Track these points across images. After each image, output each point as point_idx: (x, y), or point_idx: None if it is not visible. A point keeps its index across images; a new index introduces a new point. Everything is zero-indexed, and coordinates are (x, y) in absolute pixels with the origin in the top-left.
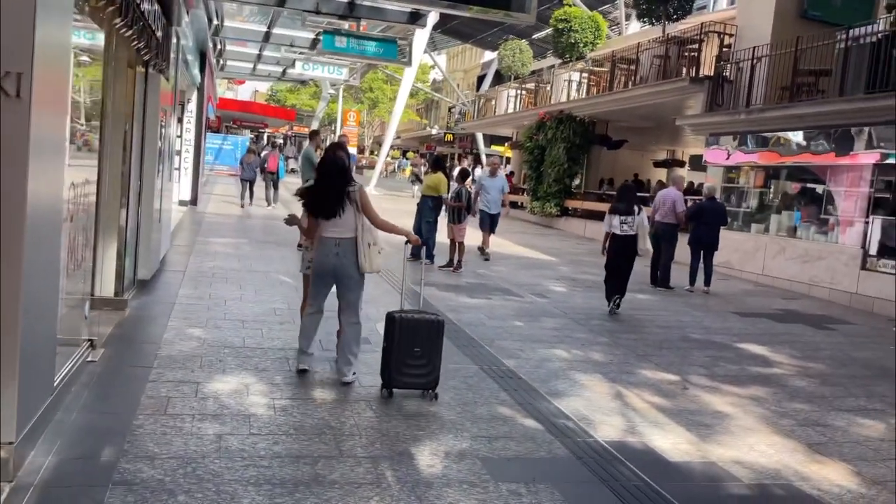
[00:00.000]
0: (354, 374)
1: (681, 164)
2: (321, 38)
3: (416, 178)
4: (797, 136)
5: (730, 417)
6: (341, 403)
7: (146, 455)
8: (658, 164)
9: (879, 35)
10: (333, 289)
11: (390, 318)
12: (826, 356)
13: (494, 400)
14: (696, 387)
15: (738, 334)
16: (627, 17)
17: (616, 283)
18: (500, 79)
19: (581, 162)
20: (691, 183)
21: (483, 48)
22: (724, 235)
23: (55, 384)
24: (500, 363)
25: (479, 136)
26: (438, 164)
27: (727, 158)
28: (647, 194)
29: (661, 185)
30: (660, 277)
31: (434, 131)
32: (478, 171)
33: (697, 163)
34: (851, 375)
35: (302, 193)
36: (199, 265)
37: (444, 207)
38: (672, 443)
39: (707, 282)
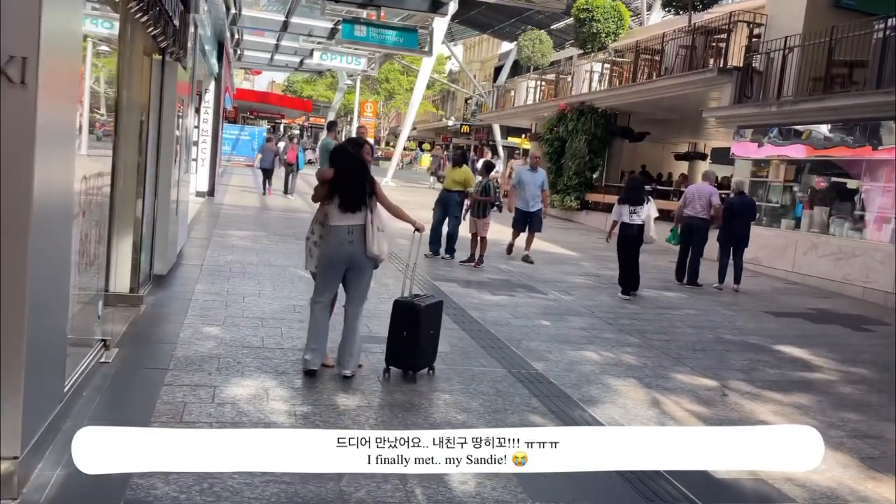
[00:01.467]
0: (360, 365)
1: (703, 156)
2: (340, 27)
3: (436, 175)
4: (831, 130)
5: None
6: (365, 410)
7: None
8: (679, 157)
9: None
10: None
11: (412, 308)
12: (867, 360)
13: (526, 408)
14: (736, 393)
15: (773, 336)
16: (649, 7)
17: (628, 276)
18: (517, 70)
19: (602, 155)
20: (716, 177)
21: (501, 39)
22: (752, 231)
23: (65, 390)
24: (529, 366)
25: (497, 128)
26: (464, 158)
27: (756, 152)
28: (669, 188)
29: (684, 178)
30: (688, 274)
31: (450, 123)
32: (498, 165)
33: (719, 156)
34: (892, 380)
35: (324, 182)
36: (217, 259)
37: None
38: None
39: (737, 279)
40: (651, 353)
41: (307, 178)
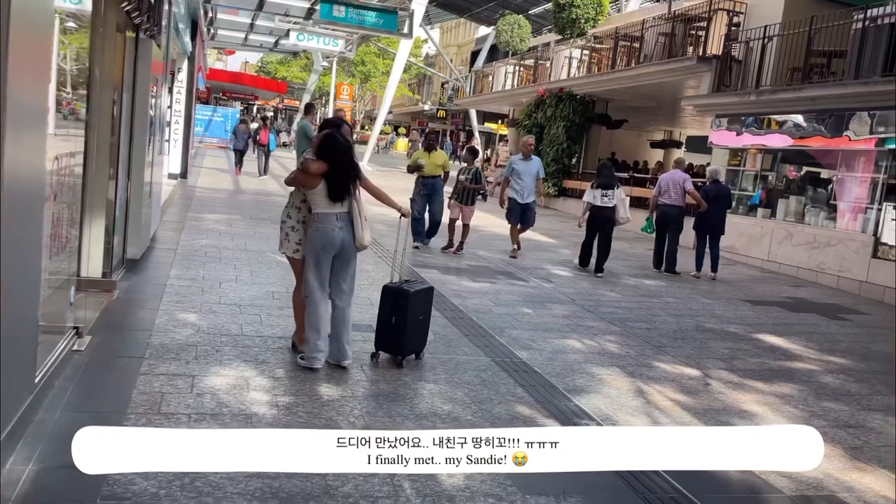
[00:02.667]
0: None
1: (678, 144)
2: (318, 7)
3: (417, 166)
4: (808, 119)
5: (758, 417)
6: (348, 401)
7: None
8: (655, 145)
9: None
10: None
11: (402, 293)
12: (845, 349)
13: (511, 397)
14: (719, 382)
15: (752, 324)
16: None
17: (598, 249)
18: (494, 55)
19: (580, 141)
20: (690, 164)
21: (478, 23)
22: (728, 219)
23: (37, 380)
24: (513, 355)
25: (473, 113)
26: (437, 142)
27: (734, 140)
28: (645, 175)
29: (660, 166)
30: (666, 262)
31: (426, 107)
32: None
33: (694, 144)
34: (874, 371)
35: (310, 173)
36: (191, 243)
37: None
38: None
39: (714, 267)
40: (633, 342)
41: (279, 160)
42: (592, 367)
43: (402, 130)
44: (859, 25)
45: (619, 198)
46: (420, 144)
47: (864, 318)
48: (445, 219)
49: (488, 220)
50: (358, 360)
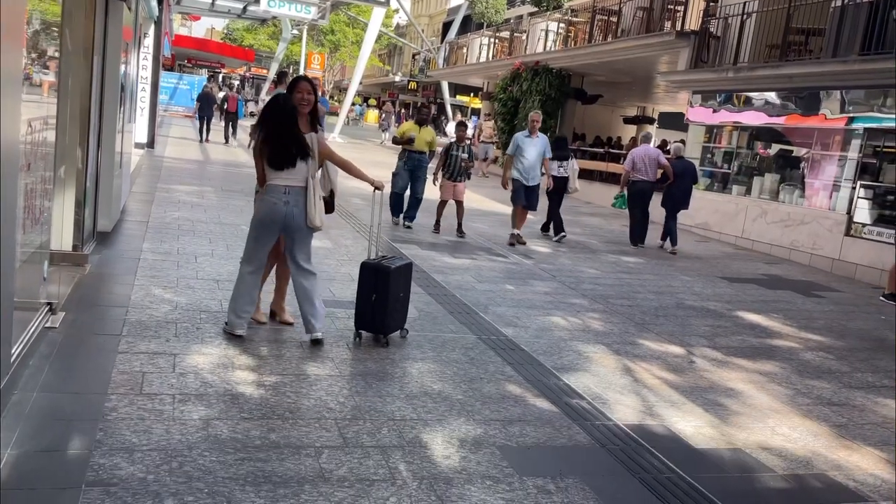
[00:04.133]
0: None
1: (650, 120)
2: None
3: (407, 139)
4: (785, 97)
5: (744, 395)
6: (337, 380)
7: (123, 447)
8: (628, 121)
9: None
10: None
11: (382, 270)
12: (822, 326)
13: (500, 376)
14: (703, 359)
15: (730, 301)
16: None
17: (554, 216)
18: (466, 27)
19: (556, 116)
20: (665, 141)
21: None
22: (702, 196)
23: (12, 359)
24: (499, 332)
25: (445, 85)
26: (429, 116)
27: (711, 117)
28: (620, 151)
29: (634, 142)
30: (639, 236)
31: (397, 78)
32: (449, 127)
33: (667, 120)
34: (852, 348)
35: (255, 136)
36: (163, 216)
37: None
38: (694, 427)
39: (674, 241)
40: (616, 319)
41: (242, 125)
42: (578, 344)
43: (372, 102)
44: (838, 3)
45: (572, 169)
46: (391, 116)
47: (838, 296)
48: (430, 196)
49: (474, 199)
50: (344, 339)
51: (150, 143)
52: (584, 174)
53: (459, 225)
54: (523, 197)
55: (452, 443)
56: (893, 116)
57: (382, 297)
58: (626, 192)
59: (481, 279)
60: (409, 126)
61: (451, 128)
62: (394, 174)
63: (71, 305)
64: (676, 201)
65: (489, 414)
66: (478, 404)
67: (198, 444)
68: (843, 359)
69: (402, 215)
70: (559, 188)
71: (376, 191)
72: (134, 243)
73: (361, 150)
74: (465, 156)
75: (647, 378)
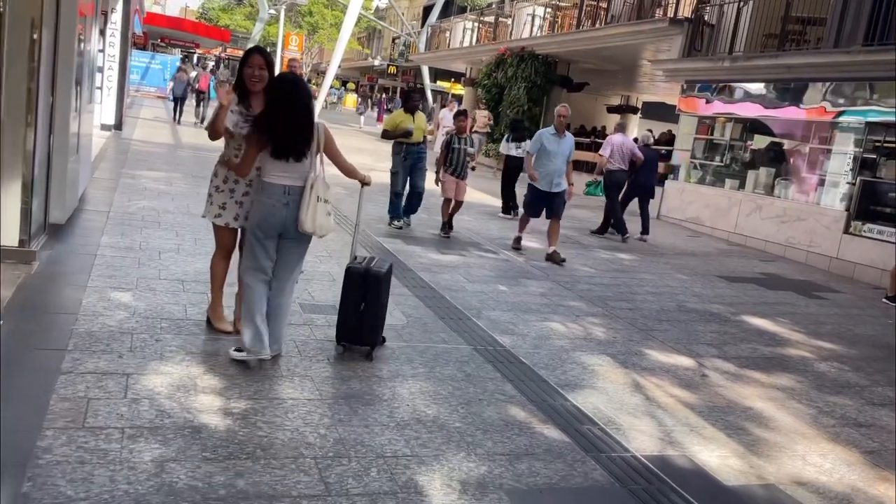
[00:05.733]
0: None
1: (634, 110)
2: None
3: (405, 131)
4: (783, 88)
5: (766, 417)
6: (317, 405)
7: (55, 502)
8: (612, 110)
9: None
10: None
11: (374, 276)
12: (830, 332)
13: (501, 396)
14: (715, 372)
15: (732, 304)
16: None
17: (511, 193)
18: (448, 10)
19: (541, 103)
20: (669, 131)
21: None
22: (694, 189)
23: None
24: (495, 342)
25: (425, 70)
26: (420, 100)
27: (704, 108)
28: (601, 140)
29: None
30: (611, 225)
31: (377, 62)
32: (443, 114)
33: (650, 110)
34: (865, 357)
35: (259, 123)
36: (126, 205)
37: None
38: (719, 457)
39: (646, 230)
40: (618, 325)
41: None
42: (581, 355)
43: (350, 86)
44: None
45: (526, 148)
46: (384, 103)
47: (840, 297)
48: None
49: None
50: (324, 351)
51: (118, 125)
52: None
53: (450, 220)
54: (539, 208)
55: (453, 486)
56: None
57: (373, 305)
58: (601, 180)
59: (472, 278)
60: (400, 116)
61: (445, 116)
62: (392, 172)
63: (11, 312)
64: (648, 190)
65: (492, 446)
66: (479, 433)
67: (148, 497)
68: (859, 370)
69: (401, 215)
70: (516, 167)
71: (364, 186)
72: (91, 237)
73: (341, 136)
74: (471, 149)
75: (659, 396)
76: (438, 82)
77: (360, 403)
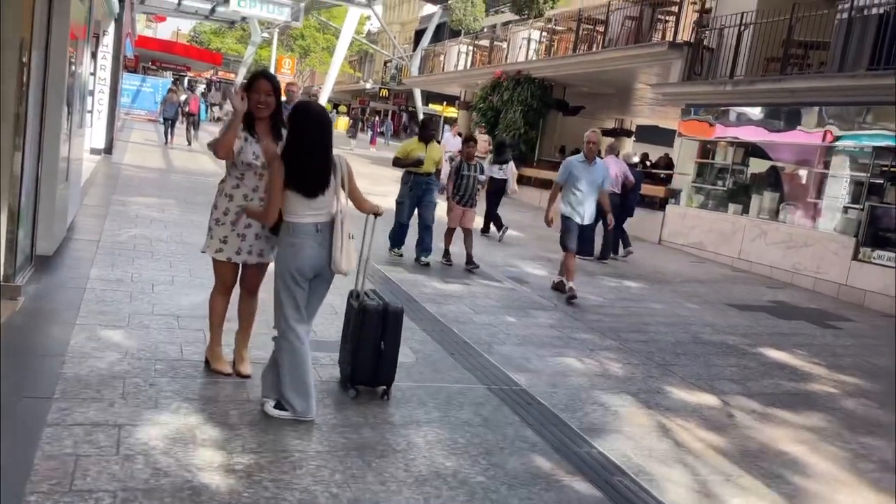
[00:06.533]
0: None
1: (628, 133)
2: None
3: (416, 161)
4: (786, 112)
5: (801, 462)
6: (328, 459)
7: None
8: (606, 133)
9: (888, 7)
10: None
11: (395, 315)
12: (850, 365)
13: (523, 444)
14: (742, 412)
15: (746, 334)
16: None
17: (493, 217)
18: (439, 35)
19: (537, 127)
20: (645, 154)
21: (425, 0)
22: (696, 214)
23: None
24: (510, 380)
25: (418, 93)
26: (436, 130)
27: (705, 132)
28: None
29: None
30: (605, 246)
31: (368, 85)
32: (447, 138)
33: (644, 133)
34: (890, 392)
35: (292, 159)
36: (117, 234)
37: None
38: None
39: (628, 245)
40: (634, 360)
41: (208, 129)
42: (601, 395)
43: (342, 109)
44: (845, 16)
45: (511, 171)
46: (376, 125)
47: (853, 326)
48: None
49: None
50: (330, 394)
51: (108, 149)
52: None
53: (469, 257)
54: (575, 239)
55: None
56: None
57: (392, 344)
58: None
59: (478, 309)
60: (413, 145)
61: (449, 141)
62: (398, 202)
63: None
64: (629, 210)
65: None
66: (503, 489)
67: None
68: (885, 406)
69: (408, 248)
70: (499, 189)
71: (375, 216)
72: (80, 269)
73: None
74: (482, 177)
75: (688, 440)
76: (431, 105)
77: (373, 455)
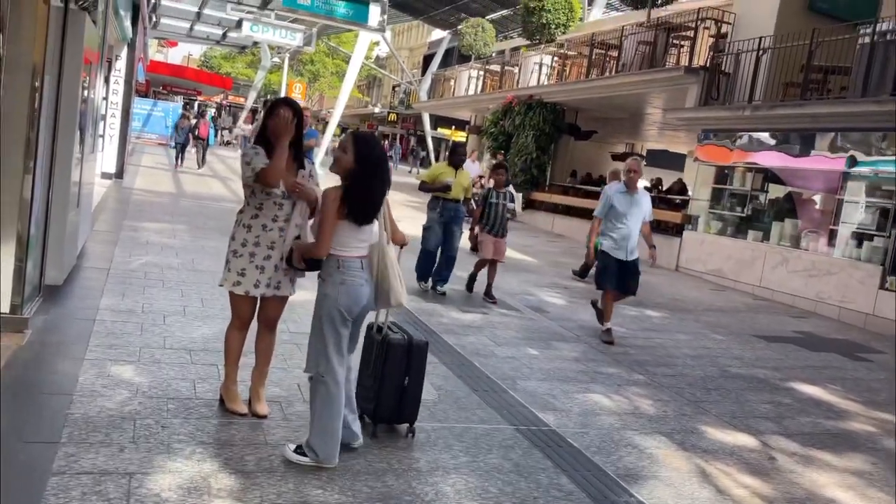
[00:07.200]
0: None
1: (639, 157)
2: None
3: (444, 186)
4: (807, 138)
5: None
6: None
7: None
8: (616, 157)
9: None
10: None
11: (421, 349)
12: (887, 400)
13: (558, 492)
14: (783, 454)
15: (777, 368)
16: (591, 2)
17: None
18: (448, 60)
19: (548, 151)
20: (658, 179)
21: (434, 26)
22: (714, 241)
23: None
24: (538, 420)
25: (426, 117)
26: (465, 155)
27: (724, 157)
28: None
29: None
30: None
31: (377, 109)
32: (469, 162)
33: (655, 157)
34: None
35: (356, 189)
36: (128, 261)
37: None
38: None
39: None
40: (664, 396)
41: (222, 158)
42: (634, 436)
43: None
44: (867, 41)
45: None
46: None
47: (885, 359)
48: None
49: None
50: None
51: (119, 174)
52: (578, 213)
53: (490, 288)
54: (615, 277)
55: None
56: None
57: (416, 380)
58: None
59: (499, 341)
60: (441, 168)
61: (468, 166)
62: (425, 228)
63: None
64: None
65: None
66: None
67: None
68: None
69: (432, 279)
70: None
71: (401, 246)
72: (90, 299)
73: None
74: (511, 204)
75: (730, 487)
76: (439, 129)
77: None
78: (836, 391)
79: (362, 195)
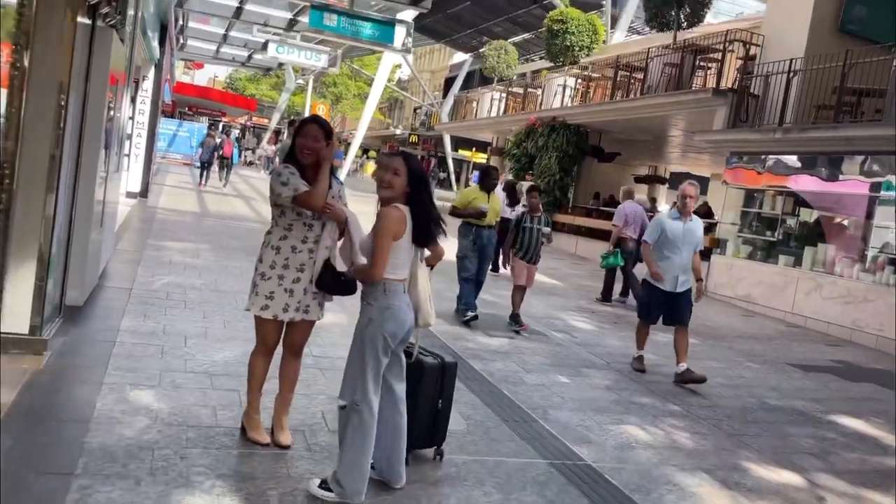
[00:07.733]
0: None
1: (662, 180)
2: (302, 17)
3: (478, 211)
4: (841, 161)
5: None
6: None
7: None
8: (639, 180)
9: None
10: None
11: (451, 369)
12: None
13: None
14: (831, 494)
15: (817, 399)
16: (613, 24)
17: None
18: (469, 82)
19: (571, 173)
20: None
21: (456, 49)
22: (745, 265)
23: None
24: (572, 453)
25: (447, 139)
26: (497, 178)
27: (753, 180)
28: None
29: (653, 202)
30: (623, 289)
31: (398, 131)
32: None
33: (678, 180)
34: None
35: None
36: (150, 281)
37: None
38: None
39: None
40: (702, 428)
41: (246, 178)
42: (674, 472)
43: (372, 154)
44: None
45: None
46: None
47: None
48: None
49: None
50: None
51: (144, 193)
52: (601, 235)
53: (517, 314)
54: (659, 311)
55: None
56: None
57: (448, 400)
58: (618, 249)
59: (527, 368)
60: (473, 193)
61: (500, 192)
62: (460, 258)
63: (13, 420)
64: (638, 255)
65: None
66: None
67: None
68: None
69: (474, 305)
70: (506, 229)
71: (430, 267)
72: (110, 320)
73: (367, 203)
74: (546, 229)
75: None
76: (460, 151)
77: None
78: (879, 425)
79: (426, 215)
